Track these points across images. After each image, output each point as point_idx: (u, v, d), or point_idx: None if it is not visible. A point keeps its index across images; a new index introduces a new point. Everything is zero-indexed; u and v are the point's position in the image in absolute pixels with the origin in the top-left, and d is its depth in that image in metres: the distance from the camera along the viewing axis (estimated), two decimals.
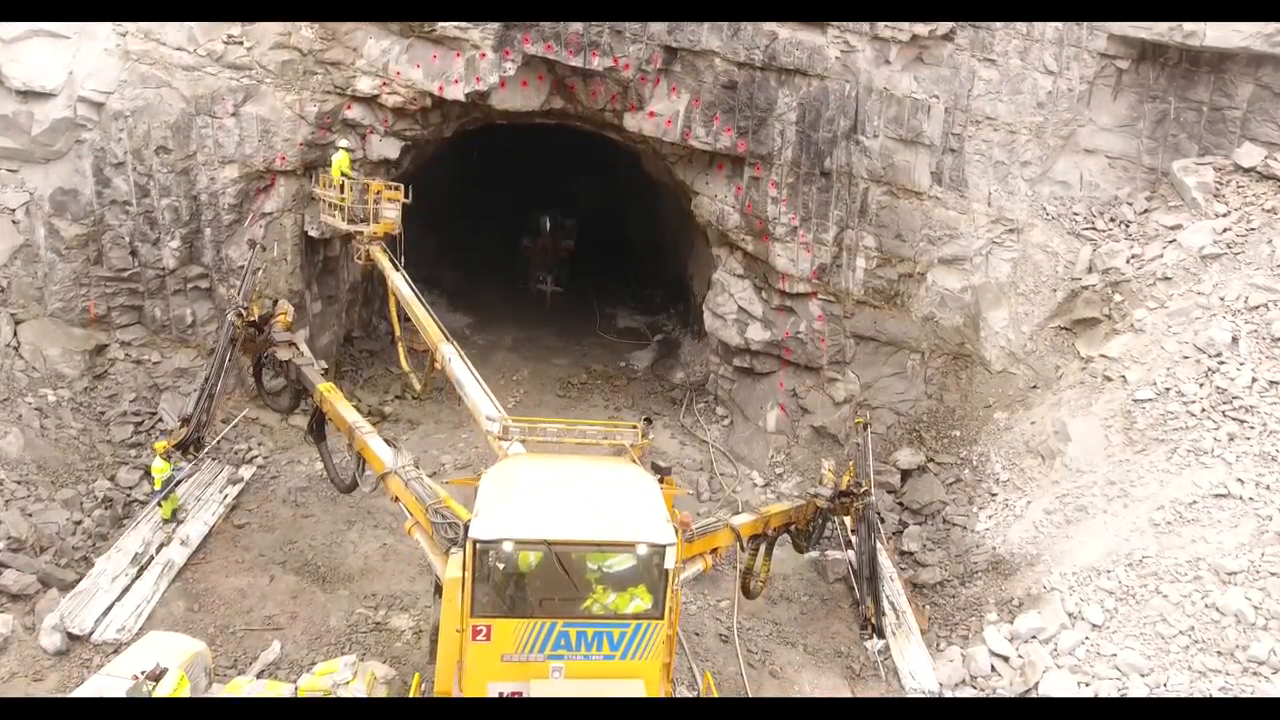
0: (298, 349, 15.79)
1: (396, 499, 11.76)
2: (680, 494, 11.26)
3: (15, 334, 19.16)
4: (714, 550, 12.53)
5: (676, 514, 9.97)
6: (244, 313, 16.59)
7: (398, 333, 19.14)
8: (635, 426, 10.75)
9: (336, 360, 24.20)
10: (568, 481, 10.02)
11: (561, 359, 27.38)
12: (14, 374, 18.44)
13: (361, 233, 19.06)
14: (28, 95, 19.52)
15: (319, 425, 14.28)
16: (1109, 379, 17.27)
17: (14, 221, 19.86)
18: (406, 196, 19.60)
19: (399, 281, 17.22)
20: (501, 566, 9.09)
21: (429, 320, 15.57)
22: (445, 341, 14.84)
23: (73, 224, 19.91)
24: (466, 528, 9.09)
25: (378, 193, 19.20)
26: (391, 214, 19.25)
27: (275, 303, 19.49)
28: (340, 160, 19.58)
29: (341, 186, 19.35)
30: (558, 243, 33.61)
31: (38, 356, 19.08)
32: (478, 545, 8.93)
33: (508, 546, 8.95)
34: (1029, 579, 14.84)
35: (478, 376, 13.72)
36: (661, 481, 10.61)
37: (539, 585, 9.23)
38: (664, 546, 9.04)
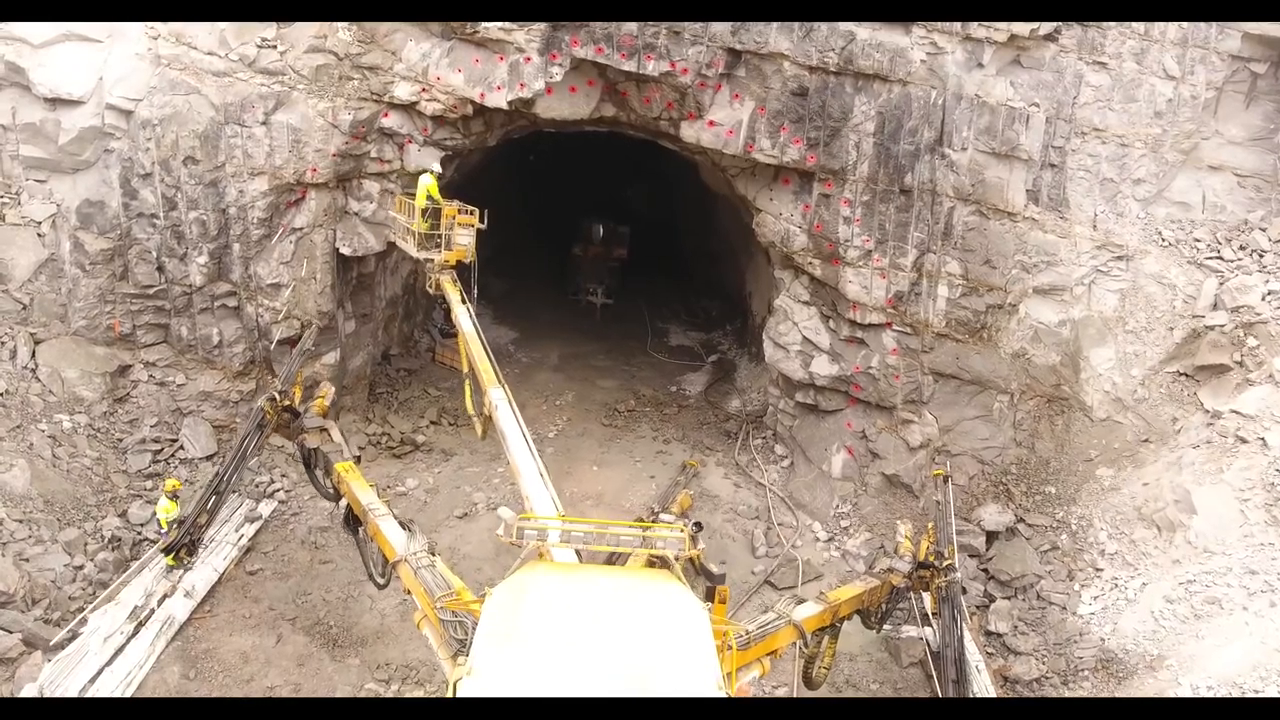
0: (329, 436, 14.25)
1: (409, 592, 10.08)
2: (736, 629, 9.20)
3: (34, 355, 18.25)
4: (773, 652, 10.58)
5: (730, 650, 7.91)
6: (279, 397, 14.64)
7: (465, 369, 17.48)
8: (682, 528, 8.85)
9: (371, 381, 22.91)
10: (590, 616, 8.00)
11: (609, 380, 25.67)
12: (29, 398, 17.49)
13: (432, 260, 17.51)
14: (56, 102, 18.70)
15: (354, 517, 12.68)
16: (1243, 440, 14.72)
17: (40, 235, 19.03)
18: (482, 221, 17.93)
19: (463, 316, 15.57)
20: None
21: (485, 362, 14.04)
22: (497, 385, 13.29)
23: (99, 237, 18.97)
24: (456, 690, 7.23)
25: (451, 217, 17.59)
26: (465, 240, 17.58)
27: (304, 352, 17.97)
28: (430, 185, 18.16)
29: (426, 211, 17.92)
30: (610, 251, 32.07)
31: (55, 379, 18.12)
32: None
33: None
34: (1150, 688, 12.46)
35: (524, 430, 12.01)
36: (712, 598, 8.71)
37: None
38: None
